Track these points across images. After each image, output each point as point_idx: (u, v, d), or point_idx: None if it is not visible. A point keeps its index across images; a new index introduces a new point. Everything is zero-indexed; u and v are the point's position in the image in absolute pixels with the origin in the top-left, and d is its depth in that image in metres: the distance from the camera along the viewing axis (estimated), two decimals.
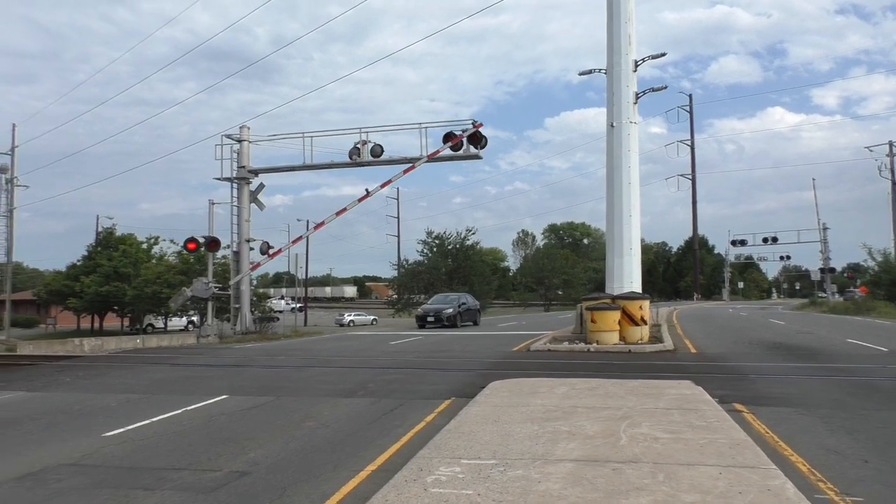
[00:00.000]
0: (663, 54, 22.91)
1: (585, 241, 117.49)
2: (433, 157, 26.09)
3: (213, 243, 27.92)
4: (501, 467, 5.27)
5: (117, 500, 5.34)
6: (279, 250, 29.39)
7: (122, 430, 8.07)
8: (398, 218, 71.20)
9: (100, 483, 5.86)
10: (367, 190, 27.88)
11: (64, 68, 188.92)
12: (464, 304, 32.85)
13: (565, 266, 77.76)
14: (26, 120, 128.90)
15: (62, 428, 8.51)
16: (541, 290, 79.52)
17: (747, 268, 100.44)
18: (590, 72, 22.10)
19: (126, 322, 53.17)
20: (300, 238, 32.35)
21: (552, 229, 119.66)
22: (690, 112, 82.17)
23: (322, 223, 28.93)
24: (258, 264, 29.40)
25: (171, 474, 6.04)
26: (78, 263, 53.04)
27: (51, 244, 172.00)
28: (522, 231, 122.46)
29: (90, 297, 46.90)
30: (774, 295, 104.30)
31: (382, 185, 28.21)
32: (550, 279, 77.32)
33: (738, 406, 8.46)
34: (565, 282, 76.85)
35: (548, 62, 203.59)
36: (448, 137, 25.49)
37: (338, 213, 28.04)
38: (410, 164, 26.48)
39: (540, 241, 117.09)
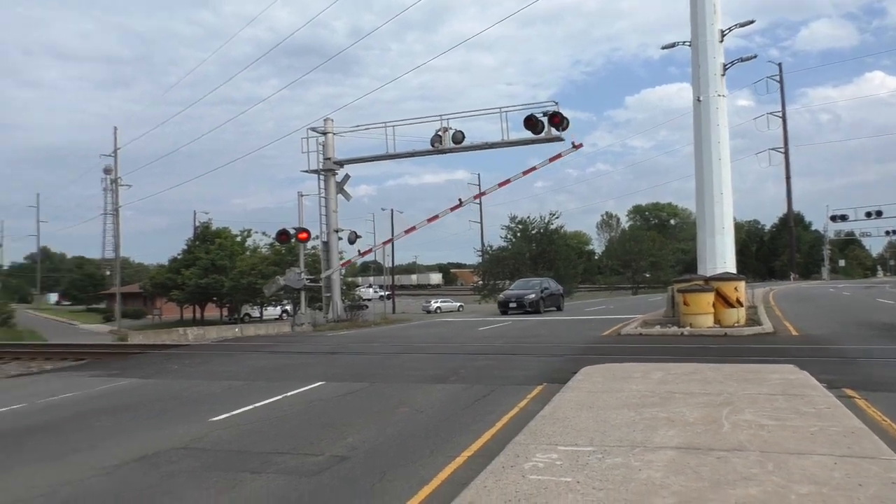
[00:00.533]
0: (751, 22, 21.63)
1: (672, 221, 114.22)
2: (533, 169, 26.49)
3: (303, 234, 28.81)
4: (599, 454, 5.19)
5: (227, 483, 5.58)
6: (369, 249, 30.52)
7: (227, 415, 8.44)
8: (480, 204, 70.98)
9: (210, 466, 6.15)
10: (459, 200, 28.77)
11: (156, 72, 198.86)
12: (546, 288, 32.40)
13: (653, 248, 75.86)
14: (125, 123, 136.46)
15: (172, 413, 8.99)
16: (628, 273, 77.98)
17: (848, 244, 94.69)
18: (673, 45, 21.30)
19: (225, 312, 55.66)
20: (389, 240, 33.30)
21: (637, 210, 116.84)
22: (781, 82, 77.65)
23: (413, 228, 29.84)
24: (349, 261, 30.39)
25: (275, 458, 6.28)
26: (179, 257, 55.93)
27: (153, 240, 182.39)
28: (606, 213, 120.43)
29: (191, 288, 49.44)
30: (880, 272, 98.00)
31: (476, 197, 29.32)
32: (637, 262, 75.66)
33: (849, 391, 8.01)
34: (653, 264, 75.04)
35: (626, 39, 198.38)
36: (528, 121, 25.22)
37: (429, 220, 28.79)
38: (506, 179, 27.26)
39: (625, 223, 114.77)
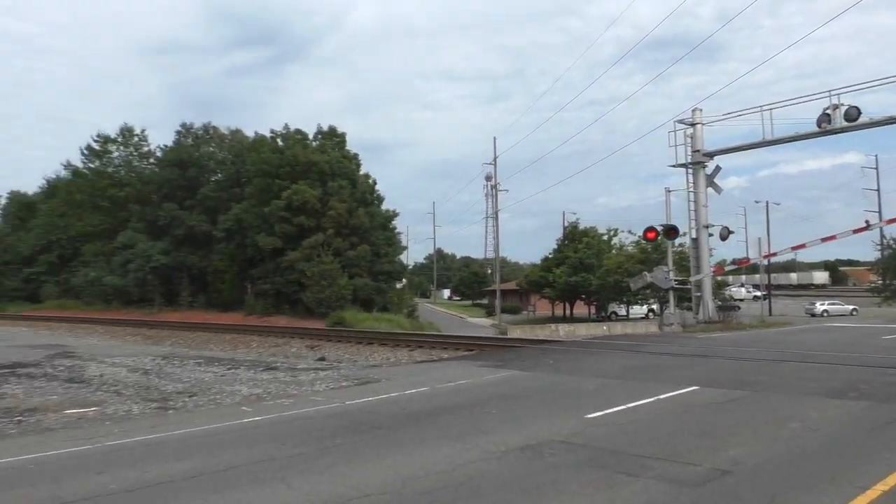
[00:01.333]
0: None
1: None
2: None
3: (671, 231, 28.05)
4: None
5: (604, 482, 5.64)
6: (746, 261, 28.82)
7: (601, 413, 8.58)
8: (878, 191, 60.45)
9: (587, 462, 6.29)
10: (866, 222, 26.35)
11: (528, 83, 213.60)
12: None
13: None
14: (503, 133, 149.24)
15: (550, 406, 9.47)
16: None
17: None
18: None
19: (592, 309, 57.12)
20: (769, 255, 30.83)
21: None
22: None
23: (802, 245, 27.69)
24: (721, 268, 29.20)
25: (651, 462, 6.16)
26: (550, 256, 59.14)
27: (526, 239, 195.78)
28: None
29: (561, 286, 51.89)
30: None
31: (887, 222, 26.09)
32: None
33: None
34: None
35: None
36: None
37: (824, 240, 26.22)
38: None
39: None
